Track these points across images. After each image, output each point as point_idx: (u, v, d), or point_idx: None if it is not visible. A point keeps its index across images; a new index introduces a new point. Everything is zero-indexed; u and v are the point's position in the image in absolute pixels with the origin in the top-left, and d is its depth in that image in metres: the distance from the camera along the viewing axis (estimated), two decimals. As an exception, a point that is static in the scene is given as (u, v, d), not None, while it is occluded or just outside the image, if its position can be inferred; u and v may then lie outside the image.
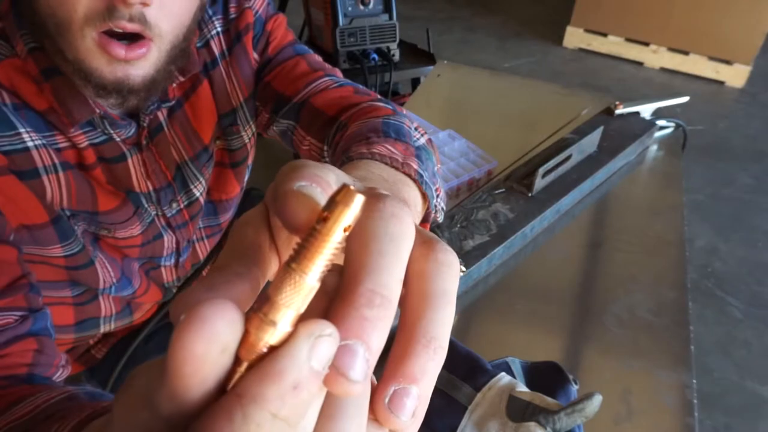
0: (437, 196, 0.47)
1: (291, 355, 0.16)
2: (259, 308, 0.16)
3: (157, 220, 0.71)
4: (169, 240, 0.74)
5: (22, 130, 0.55)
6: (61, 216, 0.60)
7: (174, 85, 0.65)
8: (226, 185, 0.79)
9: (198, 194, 0.74)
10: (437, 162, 0.55)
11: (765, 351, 1.71)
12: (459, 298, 0.74)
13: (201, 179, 0.73)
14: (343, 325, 0.17)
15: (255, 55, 0.72)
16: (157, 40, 0.53)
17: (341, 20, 1.69)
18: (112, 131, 0.61)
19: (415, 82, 1.93)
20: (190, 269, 0.83)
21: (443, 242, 0.22)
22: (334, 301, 0.18)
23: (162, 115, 0.66)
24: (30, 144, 0.56)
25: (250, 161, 0.80)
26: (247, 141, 0.77)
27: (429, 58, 1.87)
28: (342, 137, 0.57)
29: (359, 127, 0.54)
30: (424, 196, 0.44)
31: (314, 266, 0.17)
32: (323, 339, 0.16)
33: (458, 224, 0.79)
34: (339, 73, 0.72)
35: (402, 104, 1.17)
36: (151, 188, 0.67)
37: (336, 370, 0.16)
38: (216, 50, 0.69)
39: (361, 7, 1.70)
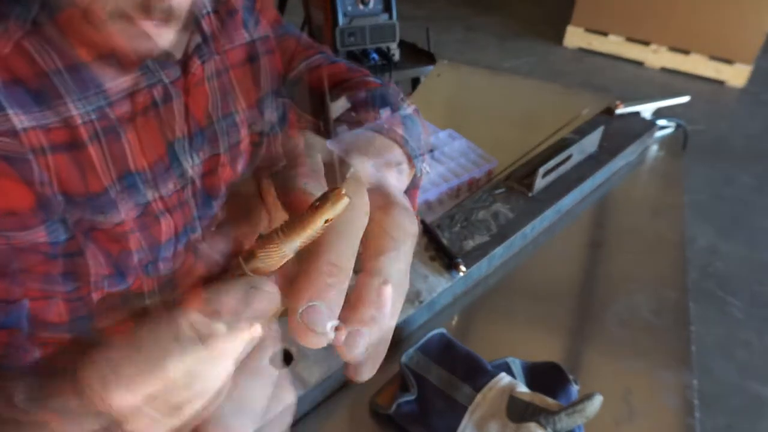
0: (423, 161, 0.51)
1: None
2: (242, 255, 0.22)
3: (188, 173, 0.76)
4: (167, 225, 0.76)
5: (10, 111, 0.56)
6: (50, 202, 0.62)
7: (228, 46, 0.72)
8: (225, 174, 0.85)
9: (221, 151, 0.80)
10: (425, 131, 0.59)
11: (766, 351, 1.71)
12: (459, 298, 0.74)
13: (225, 139, 0.80)
14: (309, 290, 0.21)
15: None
16: None
17: (341, 20, 1.68)
18: (162, 72, 0.65)
19: (415, 82, 1.93)
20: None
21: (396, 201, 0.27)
22: (301, 272, 0.22)
23: (210, 69, 0.72)
24: (18, 126, 0.57)
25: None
26: (263, 127, 0.86)
27: (429, 58, 1.87)
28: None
29: (349, 100, 0.59)
30: (410, 160, 0.45)
31: (295, 240, 0.21)
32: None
33: (458, 224, 0.79)
34: (329, 51, 0.77)
35: (402, 104, 1.17)
36: (185, 133, 0.73)
37: (306, 326, 0.21)
38: (260, 49, 0.79)
39: (361, 6, 1.70)
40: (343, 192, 0.21)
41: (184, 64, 0.72)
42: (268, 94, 0.87)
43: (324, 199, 0.21)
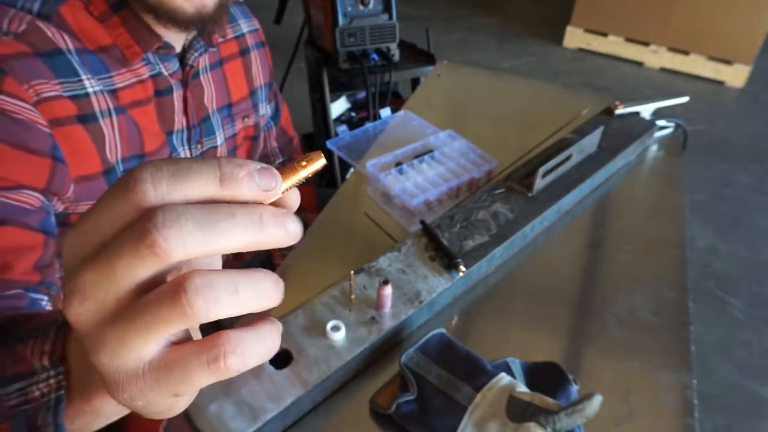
0: None
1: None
2: None
3: None
4: None
5: (84, 77, 0.63)
6: (114, 169, 0.68)
7: (220, 40, 0.82)
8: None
9: (218, 144, 0.85)
10: None
11: (765, 351, 1.71)
12: (459, 298, 0.75)
13: (221, 131, 0.85)
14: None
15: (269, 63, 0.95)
16: None
17: (341, 20, 1.68)
18: (161, 65, 0.71)
19: (415, 82, 1.93)
20: None
21: None
22: None
23: (204, 62, 0.80)
24: (90, 90, 0.64)
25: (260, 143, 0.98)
26: (258, 120, 0.93)
27: (429, 58, 1.87)
28: None
29: None
30: None
31: (284, 183, 0.26)
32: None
33: (458, 224, 0.79)
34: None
35: (401, 105, 1.17)
36: (184, 125, 0.78)
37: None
38: (249, 42, 0.88)
39: (361, 7, 1.70)
40: (321, 154, 0.27)
41: (182, 57, 0.74)
42: (261, 87, 0.91)
43: (309, 158, 0.27)
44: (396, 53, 1.80)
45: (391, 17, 1.75)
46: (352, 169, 0.99)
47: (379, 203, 0.89)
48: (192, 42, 0.75)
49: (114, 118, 0.66)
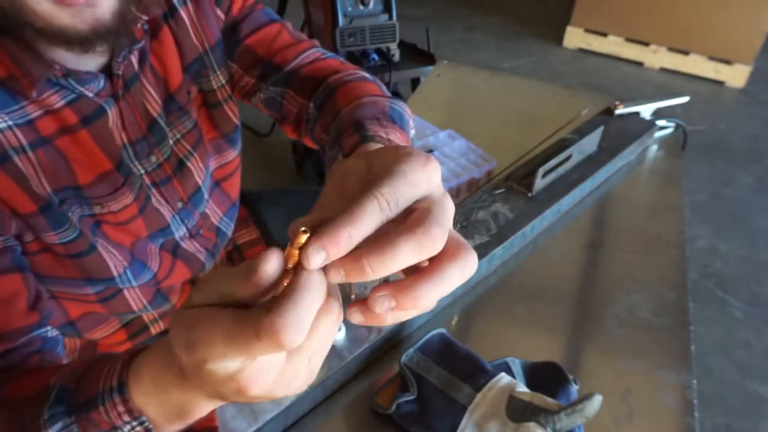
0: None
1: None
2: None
3: (144, 182, 0.69)
4: (162, 208, 0.72)
5: None
6: (51, 203, 0.59)
7: (138, 25, 0.63)
8: (221, 123, 0.79)
9: (172, 145, 0.71)
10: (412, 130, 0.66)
11: (765, 351, 1.71)
12: (459, 298, 0.75)
13: (173, 130, 0.71)
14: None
15: (219, 13, 0.72)
16: None
17: (341, 20, 1.69)
18: (81, 88, 0.59)
19: (415, 82, 1.93)
20: (218, 241, 0.84)
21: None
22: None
23: (135, 62, 0.64)
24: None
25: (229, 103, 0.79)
26: (216, 87, 0.76)
27: (429, 58, 1.87)
28: (335, 102, 0.65)
29: (367, 103, 0.59)
30: None
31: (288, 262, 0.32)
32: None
33: (458, 224, 0.79)
34: (319, 44, 0.78)
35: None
36: (126, 141, 0.65)
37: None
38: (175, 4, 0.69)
39: (361, 7, 1.70)
40: (303, 229, 0.30)
41: (108, 67, 0.62)
42: (208, 51, 0.74)
43: (292, 239, 0.30)
44: (396, 53, 1.80)
45: (391, 17, 1.75)
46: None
47: (379, 203, 0.89)
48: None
49: (30, 154, 0.57)
